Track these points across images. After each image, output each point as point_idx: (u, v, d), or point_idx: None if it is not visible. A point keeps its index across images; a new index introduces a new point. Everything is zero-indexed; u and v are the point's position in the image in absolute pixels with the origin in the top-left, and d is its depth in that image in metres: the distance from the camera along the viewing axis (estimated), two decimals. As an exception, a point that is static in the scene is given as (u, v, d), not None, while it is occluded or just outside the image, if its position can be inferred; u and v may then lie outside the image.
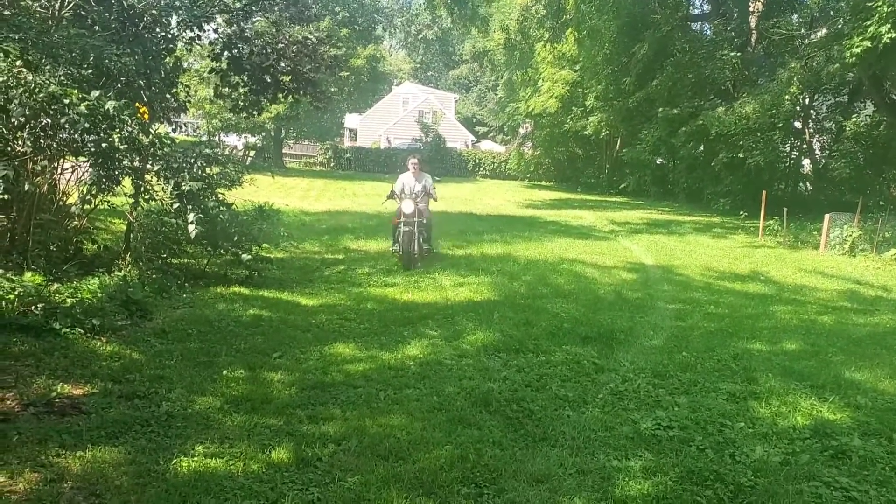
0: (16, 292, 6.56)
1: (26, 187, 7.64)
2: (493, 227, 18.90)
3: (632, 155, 33.07)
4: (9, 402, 4.95)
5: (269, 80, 11.63)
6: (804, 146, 29.45)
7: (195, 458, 4.33)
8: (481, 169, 49.32)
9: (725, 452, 4.88)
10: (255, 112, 12.92)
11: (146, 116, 9.31)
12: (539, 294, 10.38)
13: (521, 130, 46.21)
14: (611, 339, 7.82)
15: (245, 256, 9.72)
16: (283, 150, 49.07)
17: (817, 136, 29.93)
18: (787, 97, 24.49)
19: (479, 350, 7.20)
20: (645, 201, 32.53)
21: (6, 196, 7.36)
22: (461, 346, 7.35)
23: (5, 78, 7.20)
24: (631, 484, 4.33)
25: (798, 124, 28.50)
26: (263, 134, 44.93)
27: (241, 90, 12.07)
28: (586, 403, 5.80)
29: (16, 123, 7.48)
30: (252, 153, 39.94)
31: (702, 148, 28.87)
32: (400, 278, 11.02)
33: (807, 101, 27.76)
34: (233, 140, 44.37)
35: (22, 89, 7.19)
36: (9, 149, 7.68)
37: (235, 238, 9.79)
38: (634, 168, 34.77)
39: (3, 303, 6.48)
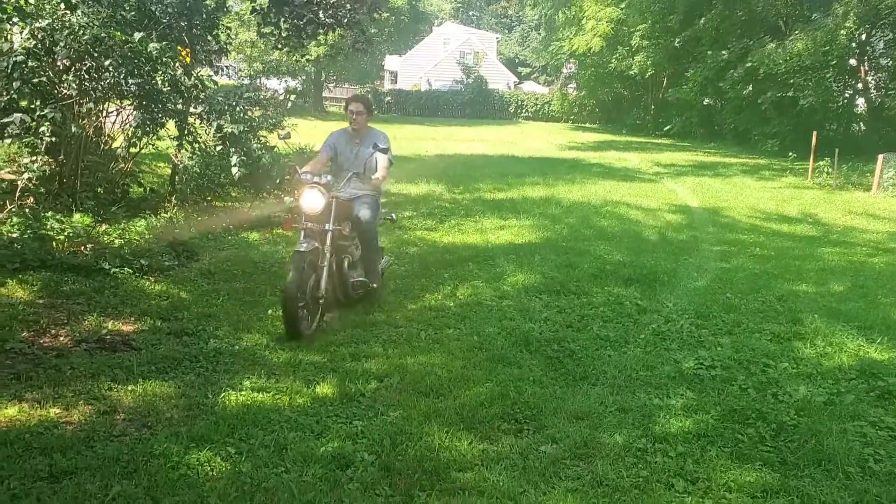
0: (66, 233, 6.73)
1: (73, 130, 7.76)
2: (536, 170, 18.71)
3: (678, 95, 32.25)
4: (62, 339, 5.12)
5: (310, 16, 11.50)
6: (859, 84, 28.34)
7: (243, 392, 4.44)
8: (524, 111, 48.72)
9: (768, 392, 4.84)
10: (302, 44, 12.77)
11: (188, 59, 9.34)
12: (582, 236, 10.31)
13: (565, 71, 45.32)
14: (654, 281, 7.75)
15: (287, 199, 9.80)
16: (324, 94, 48.93)
17: (873, 73, 28.76)
18: (842, 32, 23.48)
19: (520, 292, 7.20)
20: (691, 143, 31.86)
21: (54, 139, 7.51)
22: (502, 287, 7.36)
23: (51, 20, 7.26)
24: (672, 421, 4.34)
25: (853, 62, 27.38)
26: (304, 77, 44.77)
27: (284, 25, 11.95)
28: (628, 344, 5.79)
29: (61, 67, 7.57)
30: (293, 97, 39.86)
31: (750, 88, 27.99)
32: (439, 222, 10.98)
33: (863, 37, 26.61)
34: (273, 84, 44.36)
35: (67, 31, 7.25)
36: (55, 92, 7.80)
37: (278, 181, 9.87)
38: (680, 109, 33.96)
39: (54, 243, 6.66)
